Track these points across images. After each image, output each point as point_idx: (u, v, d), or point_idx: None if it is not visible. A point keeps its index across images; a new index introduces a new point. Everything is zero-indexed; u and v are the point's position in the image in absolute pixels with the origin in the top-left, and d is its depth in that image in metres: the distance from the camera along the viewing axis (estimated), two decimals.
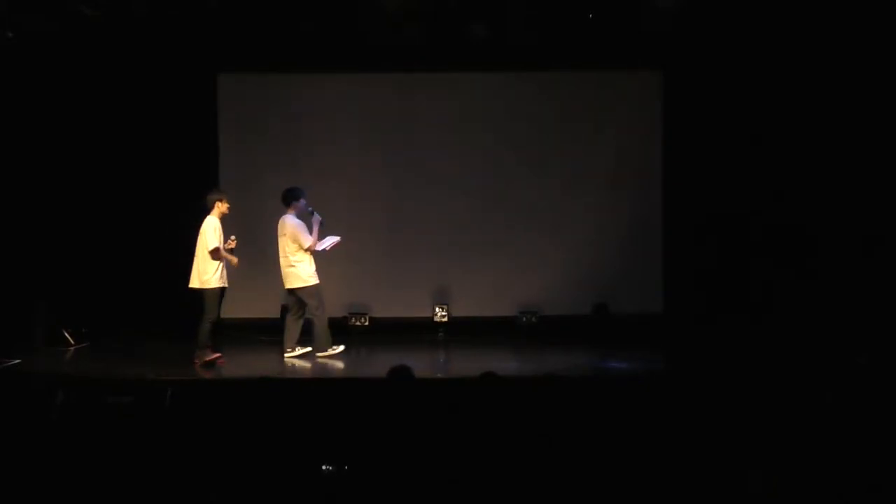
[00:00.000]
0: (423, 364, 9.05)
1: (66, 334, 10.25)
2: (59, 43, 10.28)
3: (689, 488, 4.45)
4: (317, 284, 9.39)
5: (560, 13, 10.30)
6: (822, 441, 4.94)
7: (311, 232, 9.38)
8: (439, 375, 8.69)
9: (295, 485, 4.55)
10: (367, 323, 11.36)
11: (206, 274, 8.89)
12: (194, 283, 9.00)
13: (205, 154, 11.39)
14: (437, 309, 11.43)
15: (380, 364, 8.80)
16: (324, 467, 4.56)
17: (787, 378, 7.80)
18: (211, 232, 8.89)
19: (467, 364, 8.89)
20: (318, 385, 8.27)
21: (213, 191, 9.30)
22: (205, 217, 9.04)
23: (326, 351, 9.43)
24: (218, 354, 8.96)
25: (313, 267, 9.41)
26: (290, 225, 9.36)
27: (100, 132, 11.07)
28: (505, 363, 9.06)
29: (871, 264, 9.84)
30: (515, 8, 10.07)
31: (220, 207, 9.06)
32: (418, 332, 11.09)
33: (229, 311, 11.32)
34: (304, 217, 9.48)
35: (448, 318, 11.39)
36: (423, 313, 11.41)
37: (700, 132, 11.14)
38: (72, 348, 10.12)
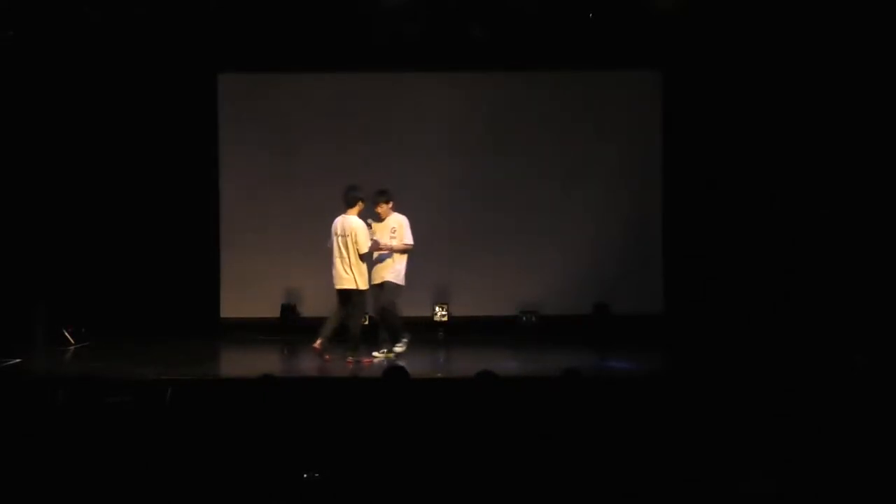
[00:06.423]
0: (423, 364, 9.05)
1: (66, 334, 10.25)
2: (59, 43, 10.28)
3: (688, 489, 4.45)
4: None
5: (560, 13, 10.30)
6: (821, 441, 4.94)
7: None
8: (439, 375, 8.68)
9: (294, 485, 4.55)
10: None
11: (364, 275, 8.88)
12: (350, 283, 8.84)
13: (205, 154, 11.39)
14: (437, 309, 11.43)
15: (379, 364, 8.85)
16: (306, 475, 4.55)
17: (787, 378, 7.81)
18: (362, 232, 8.79)
19: (467, 364, 8.89)
20: (317, 385, 8.26)
21: (355, 188, 9.04)
22: (342, 215, 8.91)
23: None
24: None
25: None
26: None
27: (100, 132, 11.08)
28: (505, 363, 9.04)
29: (871, 264, 9.84)
30: (515, 8, 10.08)
31: (360, 206, 8.94)
32: (418, 331, 11.05)
33: (230, 311, 11.37)
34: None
35: (448, 317, 11.39)
36: (423, 313, 11.40)
37: (700, 132, 11.14)
38: (72, 348, 10.12)
